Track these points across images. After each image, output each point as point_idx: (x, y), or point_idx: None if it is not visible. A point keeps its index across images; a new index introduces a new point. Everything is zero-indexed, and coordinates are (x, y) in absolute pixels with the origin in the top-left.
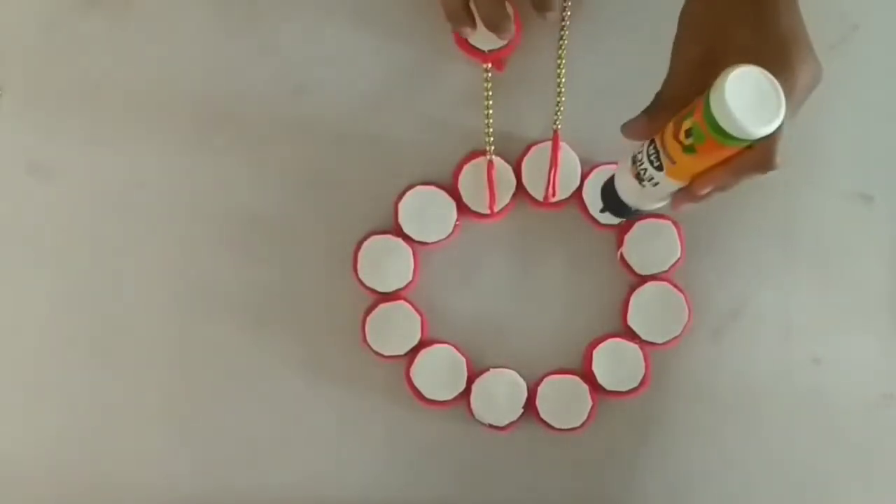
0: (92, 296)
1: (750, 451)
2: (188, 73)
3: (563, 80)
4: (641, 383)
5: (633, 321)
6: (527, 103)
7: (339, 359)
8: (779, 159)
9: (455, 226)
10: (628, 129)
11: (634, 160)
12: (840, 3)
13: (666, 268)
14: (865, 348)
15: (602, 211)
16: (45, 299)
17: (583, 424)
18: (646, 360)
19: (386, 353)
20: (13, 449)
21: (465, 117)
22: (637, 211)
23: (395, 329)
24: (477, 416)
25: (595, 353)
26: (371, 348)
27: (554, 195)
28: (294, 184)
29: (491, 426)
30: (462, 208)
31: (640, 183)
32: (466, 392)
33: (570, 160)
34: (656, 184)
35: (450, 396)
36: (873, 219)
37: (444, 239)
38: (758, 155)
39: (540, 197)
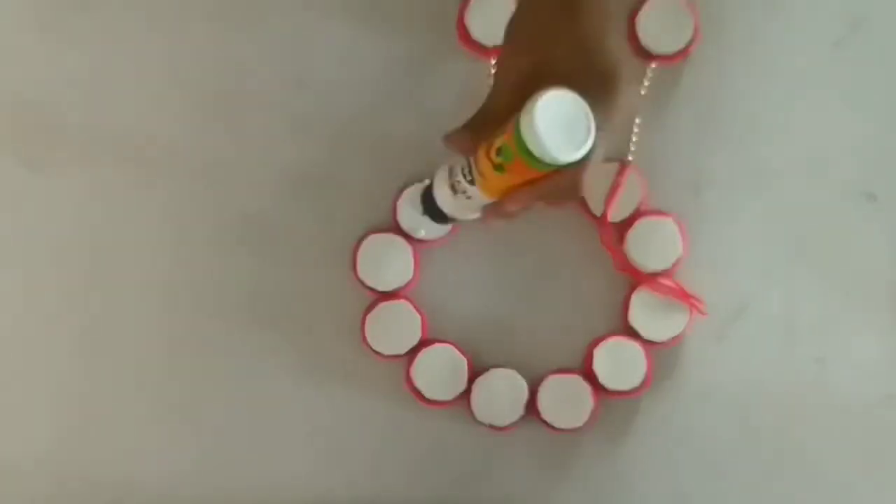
0: (91, 295)
1: (751, 450)
2: (188, 71)
3: None
4: (643, 383)
5: (635, 320)
6: None
7: (339, 358)
8: (583, 191)
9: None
10: (450, 140)
11: (451, 171)
12: (842, 1)
13: (668, 266)
14: (869, 348)
15: (423, 214)
16: (44, 298)
17: (584, 424)
18: (647, 359)
19: (386, 353)
20: (11, 448)
21: (466, 115)
22: (454, 219)
23: (395, 328)
24: (478, 416)
25: (596, 352)
26: (371, 348)
27: None
28: (293, 182)
29: (491, 426)
30: None
31: (454, 194)
32: (467, 392)
33: None
34: (469, 197)
35: (450, 396)
36: (876, 218)
37: (444, 237)
38: (564, 181)
39: None
